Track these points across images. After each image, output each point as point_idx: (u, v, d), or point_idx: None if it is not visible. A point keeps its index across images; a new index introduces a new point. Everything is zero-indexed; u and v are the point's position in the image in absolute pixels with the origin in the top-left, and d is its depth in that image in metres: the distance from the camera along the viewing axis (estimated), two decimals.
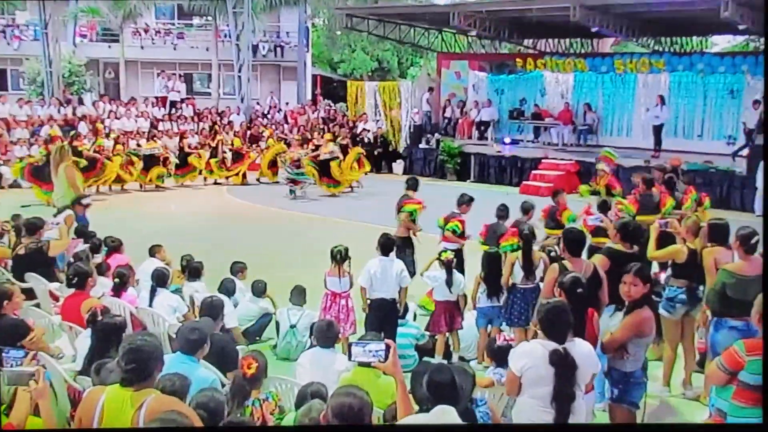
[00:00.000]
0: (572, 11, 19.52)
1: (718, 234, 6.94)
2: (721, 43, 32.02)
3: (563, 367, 4.37)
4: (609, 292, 5.86)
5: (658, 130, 20.28)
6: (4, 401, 3.95)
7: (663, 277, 7.77)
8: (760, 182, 16.23)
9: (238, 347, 6.28)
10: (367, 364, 3.83)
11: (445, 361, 7.67)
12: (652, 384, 6.64)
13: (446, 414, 3.80)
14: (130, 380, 3.86)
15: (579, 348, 4.53)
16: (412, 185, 10.04)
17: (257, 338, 8.46)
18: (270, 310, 8.54)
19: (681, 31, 24.78)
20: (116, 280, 7.39)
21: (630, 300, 5.31)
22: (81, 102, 25.49)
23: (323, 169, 18.95)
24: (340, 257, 7.65)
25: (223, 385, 5.06)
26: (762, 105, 17.63)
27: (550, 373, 4.39)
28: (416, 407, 4.02)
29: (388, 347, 3.71)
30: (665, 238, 7.28)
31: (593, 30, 21.71)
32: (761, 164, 16.16)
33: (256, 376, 4.78)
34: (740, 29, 20.75)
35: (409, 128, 24.40)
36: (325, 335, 5.87)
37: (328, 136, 20.65)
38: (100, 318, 5.45)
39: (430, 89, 26.02)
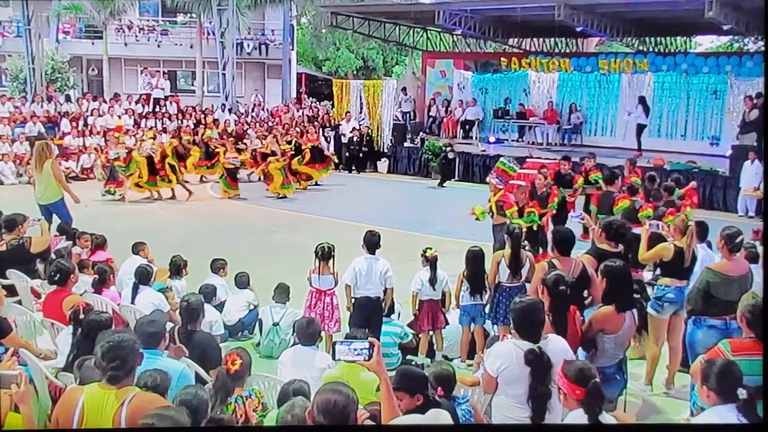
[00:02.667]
0: (557, 10, 19.58)
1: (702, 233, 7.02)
2: (705, 43, 32.30)
3: (538, 366, 4.38)
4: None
5: (640, 130, 20.39)
6: None
7: (646, 276, 7.82)
8: (743, 182, 16.35)
9: (222, 344, 6.26)
10: (351, 362, 3.81)
11: (428, 360, 7.71)
12: (634, 383, 6.68)
13: (441, 416, 3.82)
14: (116, 377, 3.83)
15: (553, 345, 4.55)
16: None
17: (249, 332, 8.48)
18: (256, 301, 8.57)
19: (665, 31, 24.94)
20: (96, 276, 7.36)
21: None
22: (68, 99, 25.31)
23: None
24: (324, 255, 7.64)
25: (204, 382, 5.05)
26: (752, 103, 17.69)
27: (525, 373, 4.41)
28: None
29: (372, 345, 3.70)
30: (656, 240, 7.31)
31: (578, 29, 21.82)
32: (745, 164, 16.30)
33: (239, 372, 4.76)
34: (724, 29, 20.91)
35: (392, 127, 24.36)
36: (306, 333, 5.88)
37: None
38: (83, 316, 5.40)
39: (404, 89, 25.98)
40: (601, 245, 6.73)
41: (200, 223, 15.35)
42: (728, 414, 3.86)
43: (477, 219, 10.54)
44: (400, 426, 3.78)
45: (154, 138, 19.70)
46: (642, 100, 20.30)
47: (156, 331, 4.93)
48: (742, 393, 3.86)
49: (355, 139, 23.81)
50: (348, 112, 24.93)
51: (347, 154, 23.68)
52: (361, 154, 23.80)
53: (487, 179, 11.28)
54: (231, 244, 12.64)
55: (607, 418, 3.94)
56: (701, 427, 5.38)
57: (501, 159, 12.25)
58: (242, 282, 8.66)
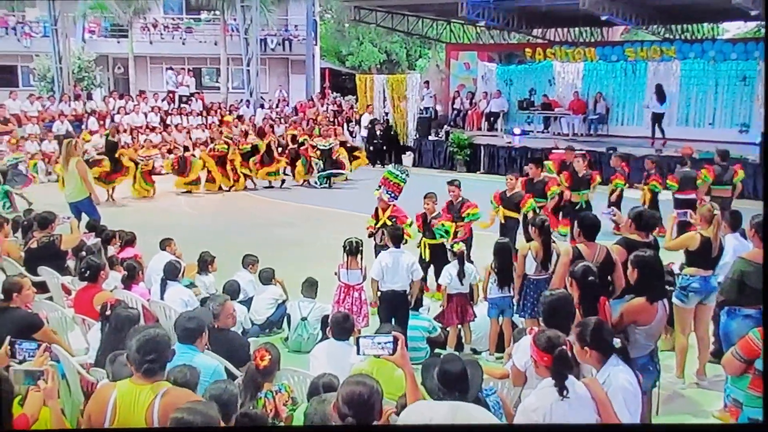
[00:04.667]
0: (581, 0, 19.40)
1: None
2: (732, 29, 31.79)
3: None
4: (628, 281, 5.82)
5: (658, 119, 20.19)
6: (20, 392, 3.94)
7: (675, 266, 7.73)
8: None
9: (250, 339, 6.29)
10: (376, 356, 3.82)
11: (456, 353, 7.69)
12: (666, 375, 6.61)
13: (459, 411, 3.77)
14: (152, 370, 3.87)
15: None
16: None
17: (278, 328, 8.51)
18: (283, 296, 8.58)
19: (692, 18, 24.64)
20: (125, 272, 7.42)
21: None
22: (90, 97, 25.56)
23: None
24: (352, 249, 7.64)
25: (234, 377, 5.07)
26: None
27: None
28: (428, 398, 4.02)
29: (396, 339, 3.70)
30: (684, 229, 7.25)
31: (603, 18, 21.60)
32: None
33: (269, 368, 4.77)
34: (752, 15, 20.59)
35: (417, 120, 24.29)
36: (342, 327, 5.84)
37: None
38: (109, 311, 5.45)
39: (426, 83, 25.91)
40: (631, 235, 6.66)
41: (226, 219, 15.45)
42: None
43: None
44: (406, 426, 3.77)
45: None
46: (658, 89, 20.10)
47: (194, 327, 4.99)
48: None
49: (378, 132, 23.80)
50: (370, 105, 24.91)
51: (371, 148, 23.70)
52: (384, 147, 23.81)
53: (376, 194, 9.57)
54: (257, 238, 12.69)
55: (577, 384, 3.95)
56: (701, 427, 5.33)
57: (388, 169, 9.99)
58: (266, 278, 8.65)
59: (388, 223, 9.00)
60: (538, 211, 10.23)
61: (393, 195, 9.37)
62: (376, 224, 9.31)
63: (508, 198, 10.49)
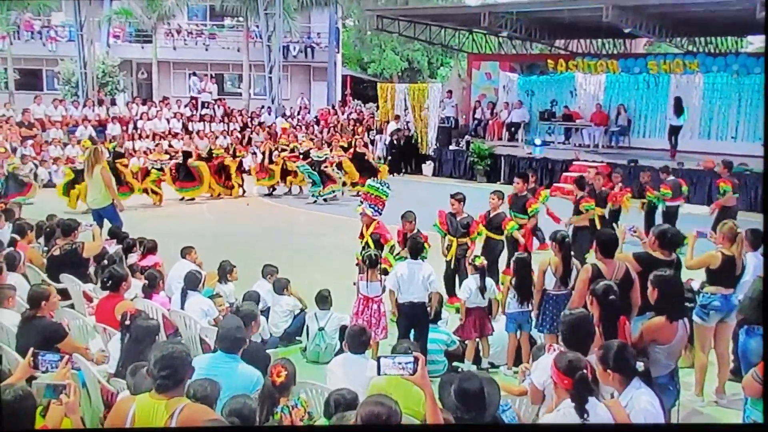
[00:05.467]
0: (605, 12, 19.32)
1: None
2: (756, 42, 31.50)
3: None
4: (647, 299, 5.81)
5: (675, 131, 20.17)
6: (41, 403, 3.99)
7: (695, 284, 7.69)
8: None
9: (269, 351, 6.31)
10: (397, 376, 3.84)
11: (474, 367, 7.69)
12: (685, 392, 6.56)
13: None
14: (165, 386, 3.91)
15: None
16: None
17: (297, 337, 8.52)
18: (298, 306, 8.59)
19: (715, 31, 24.46)
20: (145, 281, 7.47)
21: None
22: (114, 103, 25.80)
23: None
24: (372, 262, 7.66)
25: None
26: None
27: None
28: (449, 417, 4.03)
29: (416, 360, 3.71)
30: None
31: (626, 31, 21.51)
32: None
33: (285, 384, 4.78)
34: None
35: (437, 130, 24.26)
36: (359, 341, 5.84)
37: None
38: (129, 322, 5.50)
39: (449, 93, 25.88)
40: (654, 253, 6.63)
41: (247, 226, 15.51)
42: None
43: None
44: (407, 426, 3.79)
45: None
46: (676, 102, 20.08)
47: (241, 337, 5.09)
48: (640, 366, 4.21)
49: (401, 142, 23.82)
50: (398, 116, 24.90)
51: (389, 157, 23.72)
52: (404, 156, 23.78)
53: (358, 210, 9.40)
54: (279, 247, 12.75)
55: (599, 406, 3.97)
56: (701, 427, 5.30)
57: (369, 183, 9.65)
58: (280, 288, 8.58)
59: (371, 241, 9.01)
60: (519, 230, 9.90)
61: (376, 209, 9.18)
62: (362, 242, 9.18)
63: (490, 219, 9.89)
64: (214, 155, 18.99)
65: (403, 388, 4.65)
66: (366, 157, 19.90)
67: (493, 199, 9.92)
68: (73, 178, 16.51)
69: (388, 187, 9.39)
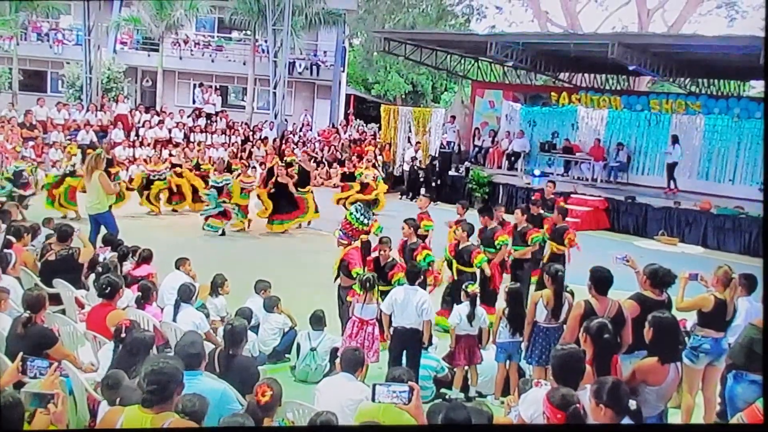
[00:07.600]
0: (610, 48, 19.46)
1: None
2: (758, 86, 31.71)
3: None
4: (637, 337, 5.81)
5: (671, 168, 20.34)
6: (27, 409, 3.98)
7: (689, 324, 7.70)
8: None
9: (259, 368, 6.30)
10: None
11: (462, 395, 7.68)
12: None
13: None
14: (150, 401, 3.91)
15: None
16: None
17: (286, 355, 8.50)
18: (288, 324, 8.59)
19: (718, 74, 24.64)
20: (139, 293, 7.45)
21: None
22: (116, 102, 25.86)
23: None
24: (369, 285, 7.67)
25: (241, 404, 5.08)
26: None
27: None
28: None
29: (411, 389, 3.72)
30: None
31: (630, 68, 21.66)
32: None
33: (270, 404, 4.74)
34: None
35: (435, 156, 24.25)
36: (355, 360, 5.76)
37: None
38: (124, 335, 5.48)
39: (452, 118, 25.93)
40: (645, 292, 6.64)
41: (244, 239, 15.49)
42: None
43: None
44: (406, 427, 3.79)
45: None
46: (673, 139, 20.25)
47: (197, 352, 5.00)
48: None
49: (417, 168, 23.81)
50: (419, 142, 24.69)
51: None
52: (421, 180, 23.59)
53: (336, 234, 9.25)
54: (273, 265, 12.73)
55: None
56: (701, 427, 5.30)
57: (350, 210, 9.47)
58: (269, 306, 8.59)
59: (337, 267, 8.94)
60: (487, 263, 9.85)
61: (346, 234, 8.99)
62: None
63: (459, 251, 9.87)
64: (202, 169, 18.45)
65: (391, 415, 4.64)
66: (287, 190, 16.25)
67: (463, 231, 9.97)
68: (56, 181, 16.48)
69: (367, 219, 9.11)
